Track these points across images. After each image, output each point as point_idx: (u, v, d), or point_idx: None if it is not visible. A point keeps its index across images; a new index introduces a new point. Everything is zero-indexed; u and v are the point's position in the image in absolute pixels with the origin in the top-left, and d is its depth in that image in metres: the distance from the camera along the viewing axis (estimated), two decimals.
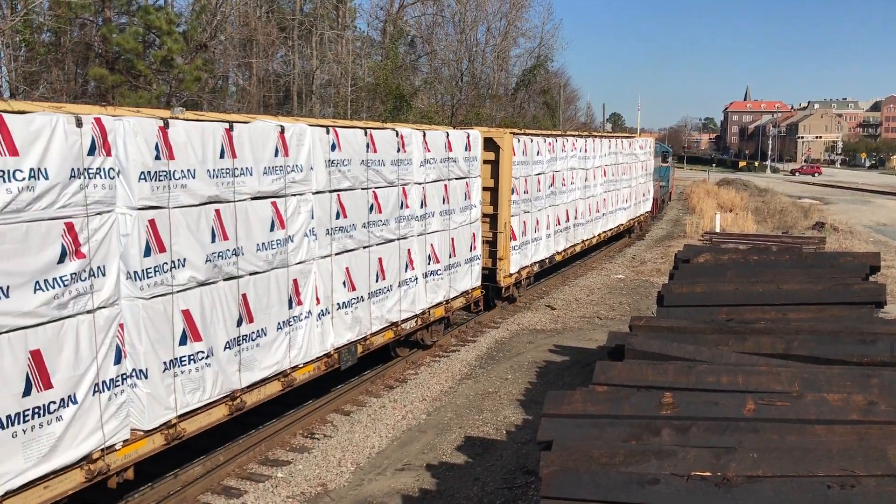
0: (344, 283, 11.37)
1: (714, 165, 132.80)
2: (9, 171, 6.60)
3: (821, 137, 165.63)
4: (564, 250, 22.42)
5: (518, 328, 17.75)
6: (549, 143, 20.49)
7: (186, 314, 8.46)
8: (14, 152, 6.65)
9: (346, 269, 11.43)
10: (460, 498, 9.28)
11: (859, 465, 4.50)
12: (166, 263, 8.13)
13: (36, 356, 6.87)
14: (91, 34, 29.66)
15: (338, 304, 11.24)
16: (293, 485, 9.64)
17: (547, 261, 20.96)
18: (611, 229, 28.26)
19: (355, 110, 38.98)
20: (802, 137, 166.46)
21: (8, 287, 6.61)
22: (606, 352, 7.24)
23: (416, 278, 13.59)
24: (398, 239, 12.85)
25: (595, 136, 26.62)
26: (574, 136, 23.87)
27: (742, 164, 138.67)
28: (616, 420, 5.28)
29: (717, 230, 30.51)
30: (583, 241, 24.43)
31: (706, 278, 9.72)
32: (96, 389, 7.45)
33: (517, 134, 18.89)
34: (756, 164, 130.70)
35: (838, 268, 10.00)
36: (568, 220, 22.51)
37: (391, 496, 9.37)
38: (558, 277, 23.89)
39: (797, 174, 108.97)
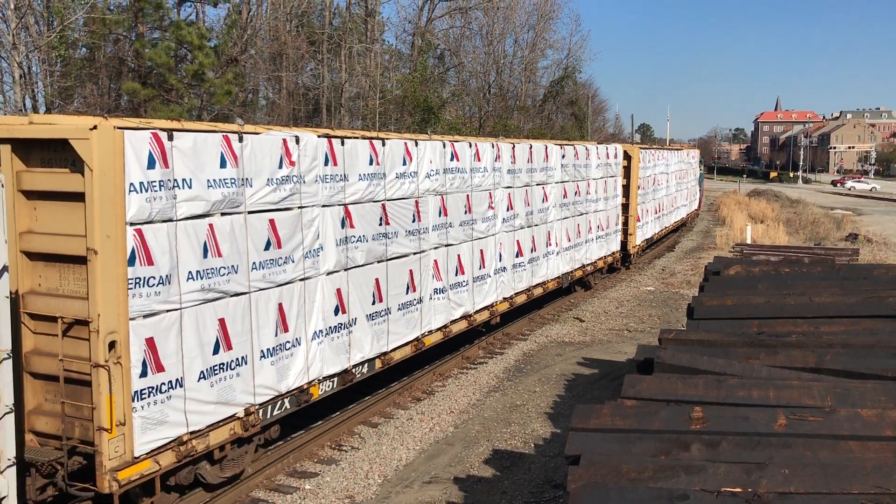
0: (566, 237, 19.70)
1: (745, 176, 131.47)
2: (475, 168, 14.71)
3: (853, 147, 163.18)
4: (658, 232, 31.99)
5: (546, 340, 17.68)
6: (653, 154, 30.20)
7: (518, 242, 16.89)
8: (479, 159, 14.84)
9: (566, 229, 19.70)
10: None
11: (895, 483, 4.42)
12: (513, 216, 16.48)
13: (500, 247, 15.95)
14: (124, 49, 30.13)
15: (563, 248, 19.56)
16: (321, 497, 9.66)
17: (650, 238, 30.26)
18: (677, 220, 38.14)
19: (384, 122, 39.14)
20: (835, 147, 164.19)
21: (490, 219, 15.46)
22: (635, 365, 7.18)
23: (593, 239, 21.93)
24: (585, 213, 21.07)
25: (670, 149, 36.76)
26: (658, 148, 34.12)
27: (773, 174, 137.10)
28: (645, 434, 5.24)
29: (748, 241, 30.20)
30: (665, 227, 33.86)
31: (737, 290, 9.62)
32: (501, 271, 16.06)
33: (642, 148, 28.74)
34: (791, 174, 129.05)
35: (872, 280, 9.86)
36: (660, 210, 31.82)
37: None
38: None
39: (839, 185, 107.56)
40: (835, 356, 6.75)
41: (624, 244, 25.71)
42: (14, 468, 6.67)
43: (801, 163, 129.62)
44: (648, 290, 24.23)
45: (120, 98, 29.64)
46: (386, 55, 45.35)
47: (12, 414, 6.59)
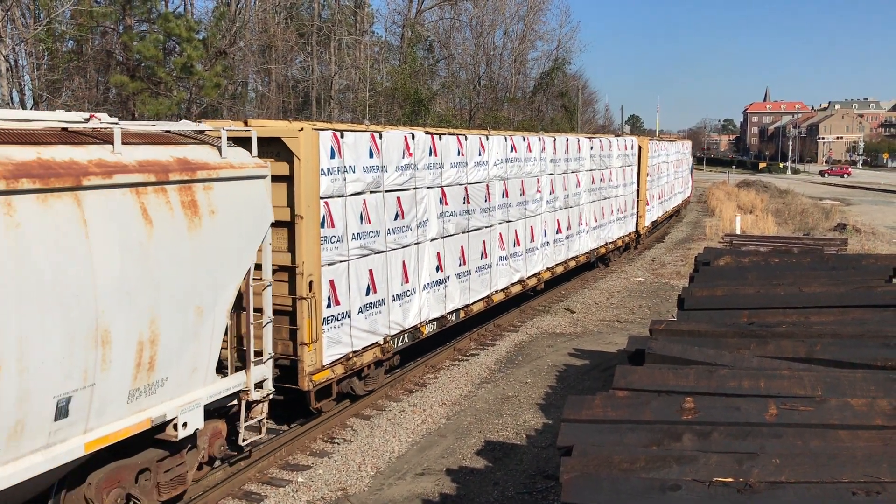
0: (593, 218, 23.02)
1: (734, 167, 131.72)
2: (527, 157, 17.72)
3: (842, 138, 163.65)
4: (661, 216, 35.33)
5: (537, 332, 17.72)
6: (657, 144, 33.96)
7: (558, 221, 19.99)
8: (529, 150, 17.93)
9: (593, 211, 23.02)
10: (480, 503, 9.27)
11: (884, 471, 4.45)
12: (554, 199, 19.57)
13: (544, 224, 19.12)
14: (112, 42, 29.91)
15: (591, 227, 22.90)
16: (314, 489, 9.67)
17: (655, 221, 33.48)
18: (674, 206, 41.30)
19: (373, 115, 39.03)
20: (823, 138, 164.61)
21: (538, 201, 18.71)
22: (626, 356, 7.20)
23: (613, 221, 25.29)
24: (608, 198, 24.44)
25: (668, 140, 40.25)
26: (657, 139, 37.94)
27: (762, 165, 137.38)
28: (636, 425, 5.26)
29: (738, 232, 30.29)
30: (665, 212, 37.02)
31: (727, 281, 9.65)
32: (545, 245, 19.06)
33: (651, 139, 33.04)
34: (780, 164, 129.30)
35: (861, 270, 9.91)
36: (662, 196, 34.98)
37: (411, 501, 9.38)
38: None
39: (826, 175, 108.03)
40: (824, 346, 6.78)
41: (636, 226, 29.08)
42: (271, 360, 9.60)
43: (790, 153, 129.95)
44: (639, 280, 24.30)
45: (108, 91, 29.47)
46: (375, 47, 45.21)
47: (271, 323, 9.56)
